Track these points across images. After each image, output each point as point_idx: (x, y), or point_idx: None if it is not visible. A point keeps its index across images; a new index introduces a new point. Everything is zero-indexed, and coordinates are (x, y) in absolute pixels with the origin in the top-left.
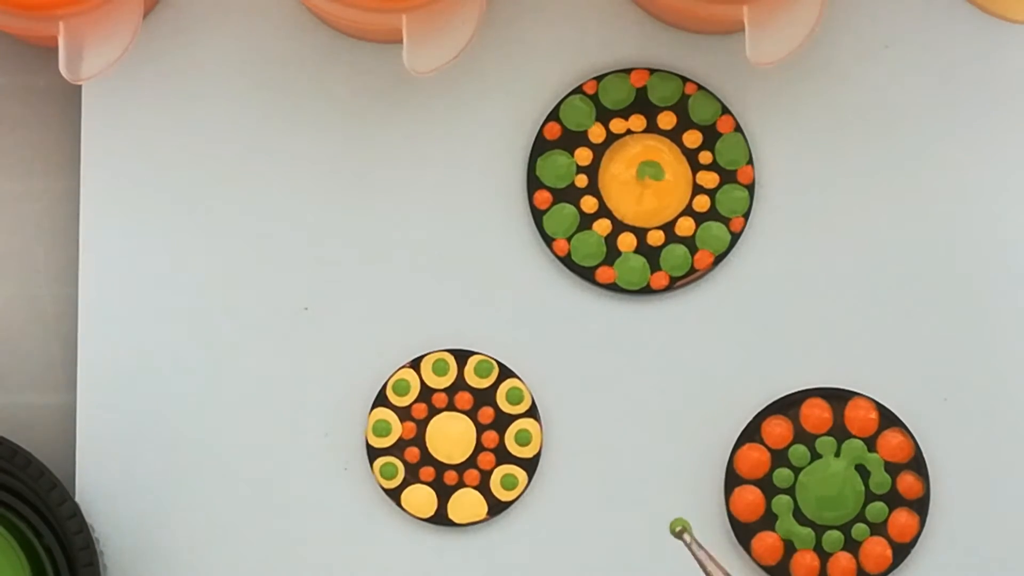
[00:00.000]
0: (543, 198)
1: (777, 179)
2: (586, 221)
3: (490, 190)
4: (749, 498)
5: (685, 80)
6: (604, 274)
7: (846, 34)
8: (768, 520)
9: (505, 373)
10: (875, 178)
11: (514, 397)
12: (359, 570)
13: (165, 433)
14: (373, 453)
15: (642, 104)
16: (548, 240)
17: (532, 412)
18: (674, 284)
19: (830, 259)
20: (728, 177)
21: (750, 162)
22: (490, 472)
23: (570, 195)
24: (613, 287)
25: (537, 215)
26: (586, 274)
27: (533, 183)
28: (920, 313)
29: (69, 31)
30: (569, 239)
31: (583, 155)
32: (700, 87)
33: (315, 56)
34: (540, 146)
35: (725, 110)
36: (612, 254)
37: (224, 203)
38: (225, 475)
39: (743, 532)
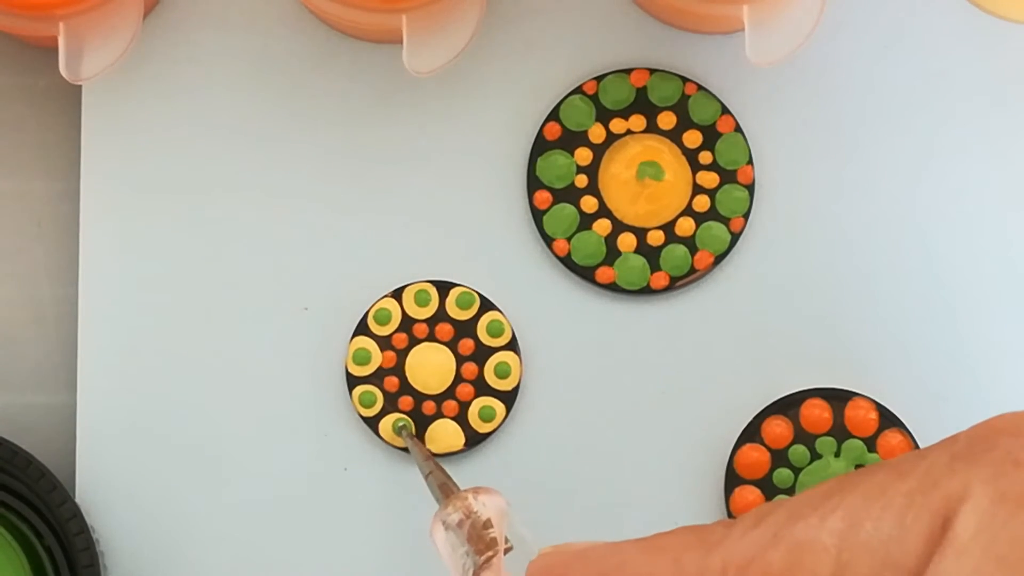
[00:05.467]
0: (543, 198)
1: (777, 179)
2: (586, 221)
3: (490, 190)
4: (749, 498)
5: (685, 80)
6: (604, 274)
7: (846, 34)
8: None
9: (486, 305)
10: (875, 178)
11: (495, 329)
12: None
13: (165, 433)
14: (352, 381)
15: (642, 104)
16: (548, 240)
17: (512, 345)
18: (674, 284)
19: (830, 259)
20: (728, 177)
21: (750, 162)
22: (468, 403)
23: (570, 195)
24: (613, 287)
25: (537, 215)
26: (586, 274)
27: (533, 183)
28: (921, 313)
29: (69, 31)
30: (569, 239)
31: (583, 155)
32: (700, 87)
33: (315, 56)
34: (540, 146)
35: (725, 110)
36: (612, 254)
37: (224, 203)
38: (225, 475)
39: None
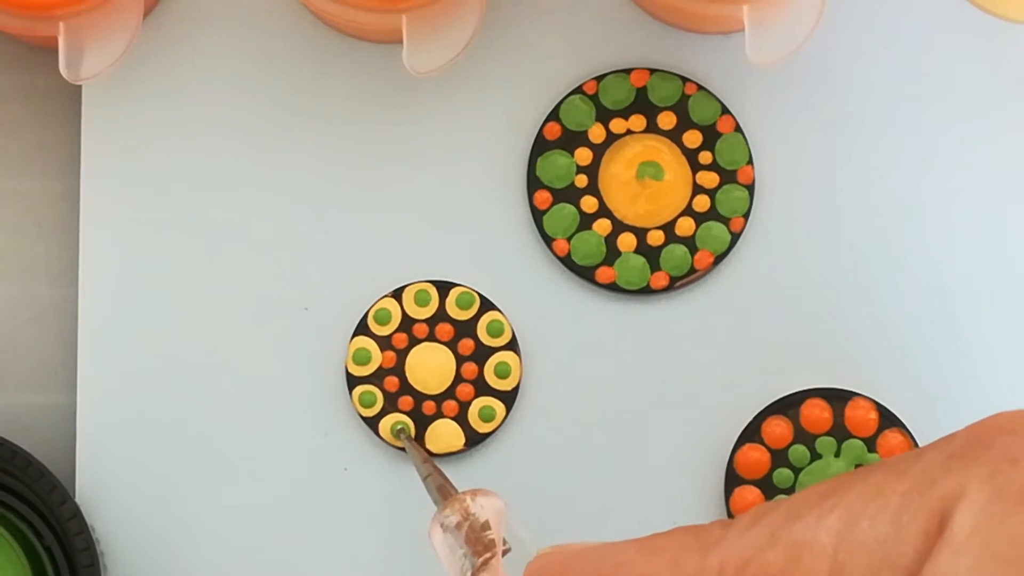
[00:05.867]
0: (543, 198)
1: (777, 179)
2: (586, 221)
3: (490, 190)
4: (749, 498)
5: (685, 80)
6: (604, 274)
7: (846, 34)
8: None
9: (486, 305)
10: (875, 178)
11: (495, 329)
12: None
13: (165, 433)
14: (352, 381)
15: (642, 104)
16: (548, 240)
17: (512, 345)
18: (674, 284)
19: (830, 259)
20: (728, 177)
21: (750, 162)
22: (468, 403)
23: (570, 195)
24: (613, 287)
25: (537, 215)
26: (586, 274)
27: (533, 183)
28: (921, 313)
29: (69, 31)
30: (569, 239)
31: (583, 155)
32: (700, 87)
33: (315, 56)
34: (540, 146)
35: (725, 110)
36: (612, 254)
37: (224, 203)
38: (225, 475)
39: None
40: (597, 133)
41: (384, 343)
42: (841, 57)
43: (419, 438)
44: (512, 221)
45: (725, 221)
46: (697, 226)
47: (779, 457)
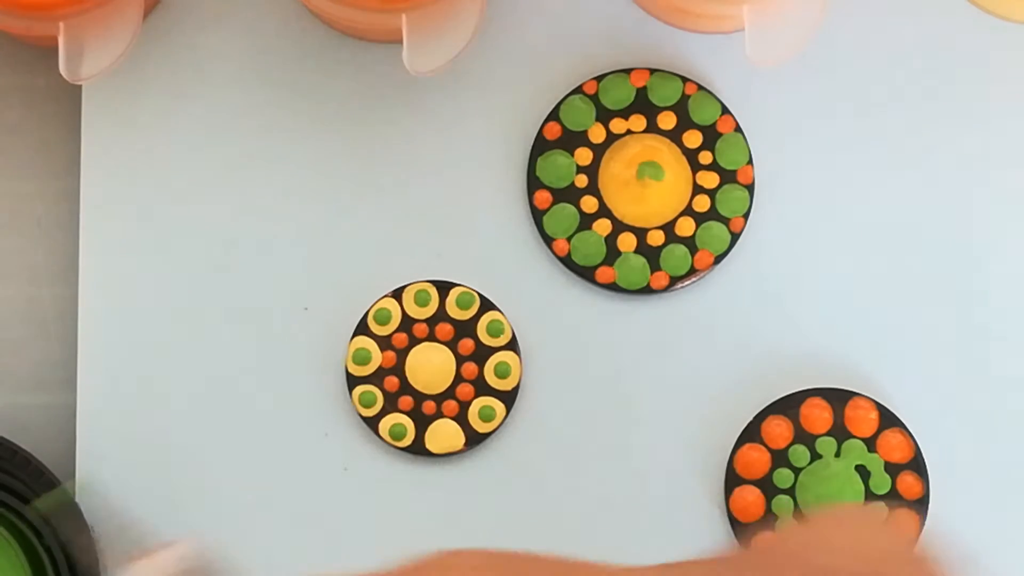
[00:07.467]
0: (543, 198)
1: (777, 179)
2: (586, 221)
3: (490, 190)
4: (749, 498)
5: (685, 80)
6: (604, 274)
7: (846, 34)
8: (768, 520)
9: (486, 305)
10: (875, 178)
11: (494, 329)
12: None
13: (165, 433)
14: (352, 381)
15: (642, 104)
16: (548, 240)
17: (512, 345)
18: (674, 284)
19: (830, 259)
20: (728, 177)
21: (750, 162)
22: (468, 403)
23: (570, 195)
24: (613, 287)
25: (537, 215)
26: (586, 274)
27: (533, 183)
28: (920, 313)
29: (69, 31)
30: (569, 239)
31: (583, 155)
32: (700, 87)
33: (315, 56)
34: (540, 146)
35: (725, 110)
36: (612, 254)
37: (224, 203)
38: (225, 475)
39: (743, 532)
40: (597, 133)
41: (384, 343)
42: (841, 57)
43: (419, 438)
44: (512, 221)
45: (725, 221)
46: (697, 226)
47: (779, 457)
